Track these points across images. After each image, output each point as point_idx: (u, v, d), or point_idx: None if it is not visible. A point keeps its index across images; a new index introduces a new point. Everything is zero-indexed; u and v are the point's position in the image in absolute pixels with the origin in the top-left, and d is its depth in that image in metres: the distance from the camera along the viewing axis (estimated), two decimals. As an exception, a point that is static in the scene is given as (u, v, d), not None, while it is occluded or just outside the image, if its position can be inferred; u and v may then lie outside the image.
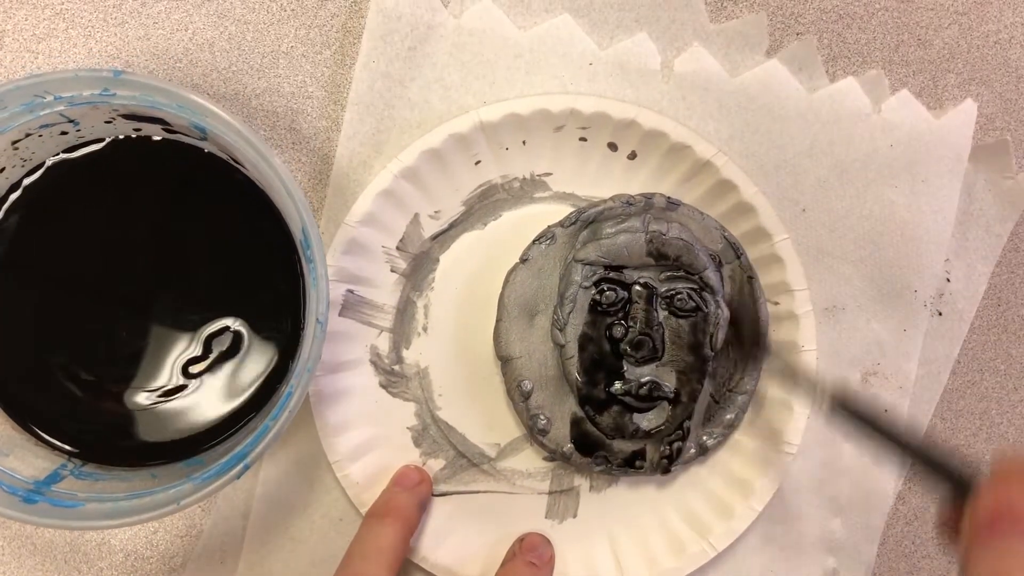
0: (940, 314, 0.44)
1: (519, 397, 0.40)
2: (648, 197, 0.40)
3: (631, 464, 0.40)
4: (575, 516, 0.42)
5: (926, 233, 0.43)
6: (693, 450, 0.41)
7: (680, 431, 0.40)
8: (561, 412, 0.40)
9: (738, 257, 0.41)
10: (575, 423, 0.40)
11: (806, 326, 0.41)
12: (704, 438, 0.41)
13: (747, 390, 0.41)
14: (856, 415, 0.26)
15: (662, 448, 0.41)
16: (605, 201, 0.40)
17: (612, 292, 0.40)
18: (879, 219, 0.43)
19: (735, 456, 0.42)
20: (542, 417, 0.40)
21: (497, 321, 0.40)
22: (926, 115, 0.43)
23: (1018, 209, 0.44)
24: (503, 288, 0.40)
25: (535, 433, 0.40)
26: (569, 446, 0.40)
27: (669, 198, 0.40)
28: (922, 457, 0.25)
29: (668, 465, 0.40)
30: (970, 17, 0.44)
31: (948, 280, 0.44)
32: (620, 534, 0.42)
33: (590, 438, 0.40)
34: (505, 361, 0.40)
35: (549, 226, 0.40)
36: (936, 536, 0.45)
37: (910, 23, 0.44)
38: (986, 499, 0.23)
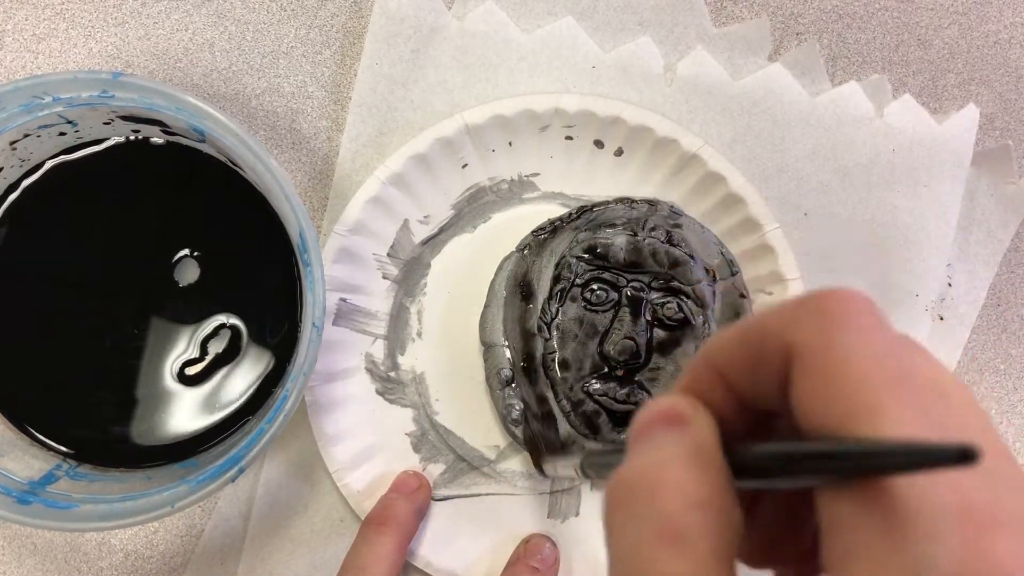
0: (941, 318, 0.44)
1: (497, 384, 0.40)
2: (652, 203, 0.40)
3: None
4: (578, 515, 0.42)
5: (928, 238, 0.43)
6: None
7: None
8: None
9: (733, 275, 0.40)
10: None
11: None
12: None
13: None
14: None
15: None
16: (609, 202, 0.40)
17: (603, 292, 0.39)
18: (881, 223, 0.43)
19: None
20: (517, 407, 0.40)
21: (485, 307, 0.40)
22: (928, 120, 0.43)
23: (1020, 214, 0.44)
24: (495, 274, 0.40)
25: (507, 422, 0.40)
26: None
27: (672, 207, 0.40)
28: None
29: None
30: (970, 17, 0.44)
31: (950, 285, 0.44)
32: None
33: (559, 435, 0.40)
34: (488, 347, 0.40)
35: (550, 219, 0.40)
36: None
37: (910, 23, 0.44)
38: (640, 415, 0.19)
